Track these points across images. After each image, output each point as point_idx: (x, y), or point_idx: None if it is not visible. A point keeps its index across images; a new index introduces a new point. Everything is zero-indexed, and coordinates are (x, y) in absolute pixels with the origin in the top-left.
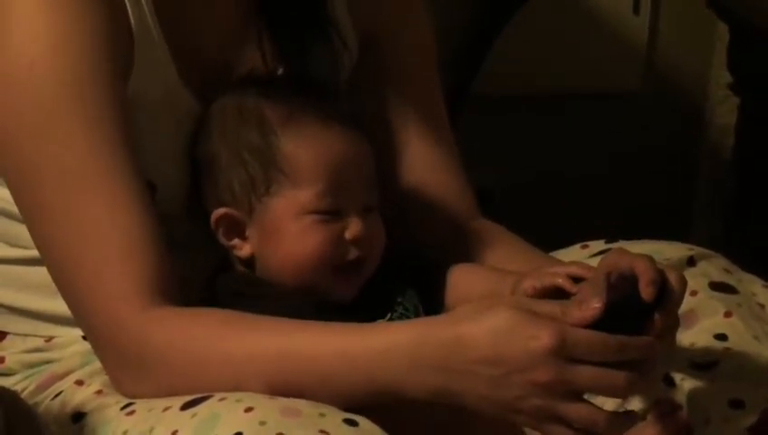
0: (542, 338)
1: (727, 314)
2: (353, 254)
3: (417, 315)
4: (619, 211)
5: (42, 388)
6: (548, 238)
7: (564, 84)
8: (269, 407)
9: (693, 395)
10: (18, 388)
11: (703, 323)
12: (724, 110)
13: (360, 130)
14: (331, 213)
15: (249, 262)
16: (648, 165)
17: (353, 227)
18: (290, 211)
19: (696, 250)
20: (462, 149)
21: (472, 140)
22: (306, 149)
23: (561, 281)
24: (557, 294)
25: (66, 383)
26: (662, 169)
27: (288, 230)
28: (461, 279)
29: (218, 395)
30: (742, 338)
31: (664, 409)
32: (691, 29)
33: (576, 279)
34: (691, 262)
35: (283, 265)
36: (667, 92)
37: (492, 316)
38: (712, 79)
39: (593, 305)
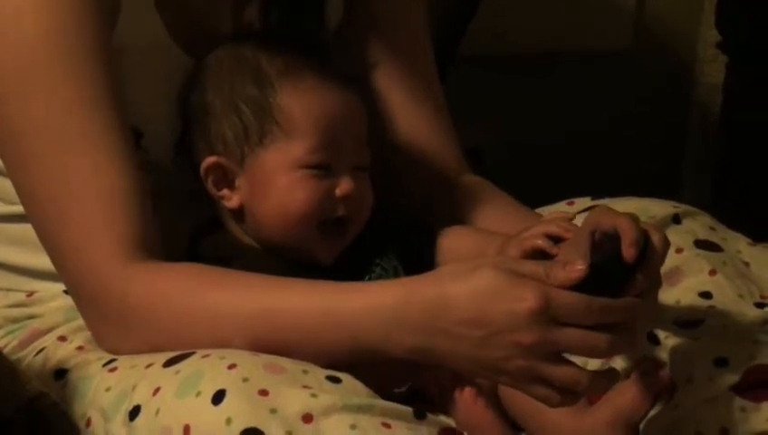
0: (527, 300)
1: (712, 272)
2: (341, 211)
3: (396, 277)
4: (609, 169)
5: (24, 344)
6: (536, 196)
7: (553, 43)
8: (252, 363)
9: (677, 353)
10: (1, 344)
11: (688, 281)
12: (713, 69)
13: (355, 89)
14: (323, 168)
15: (237, 213)
16: (637, 124)
17: (343, 185)
18: (282, 164)
19: (681, 208)
20: (451, 108)
21: (461, 99)
22: (301, 103)
23: (540, 243)
24: (540, 254)
25: (49, 339)
26: (651, 128)
27: (278, 182)
28: (449, 242)
29: (201, 352)
30: (726, 296)
31: (646, 367)
32: None
33: (555, 239)
34: (676, 219)
35: (270, 218)
36: (656, 51)
37: (476, 277)
38: (700, 38)
39: (577, 267)
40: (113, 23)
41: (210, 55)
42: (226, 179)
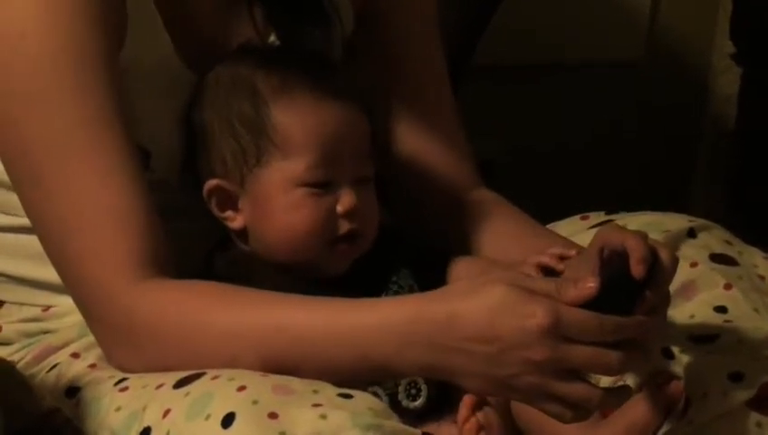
0: (538, 316)
1: (727, 287)
2: (345, 227)
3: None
4: (621, 181)
5: (38, 359)
6: (549, 208)
7: (566, 53)
8: (262, 385)
9: (692, 368)
10: (15, 358)
11: (703, 296)
12: (727, 79)
13: (355, 102)
14: (323, 185)
15: (242, 233)
16: (650, 134)
17: (345, 200)
18: (280, 183)
19: (696, 222)
20: (463, 119)
21: (473, 110)
22: (297, 121)
23: (547, 260)
24: (546, 271)
25: (62, 356)
26: (664, 139)
27: (279, 203)
28: (461, 269)
29: (211, 373)
30: (742, 310)
31: (658, 381)
32: None
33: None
34: (691, 233)
35: (274, 238)
36: (669, 62)
37: (486, 293)
38: (715, 48)
39: (589, 285)
40: (120, 42)
41: (210, 73)
42: (230, 201)
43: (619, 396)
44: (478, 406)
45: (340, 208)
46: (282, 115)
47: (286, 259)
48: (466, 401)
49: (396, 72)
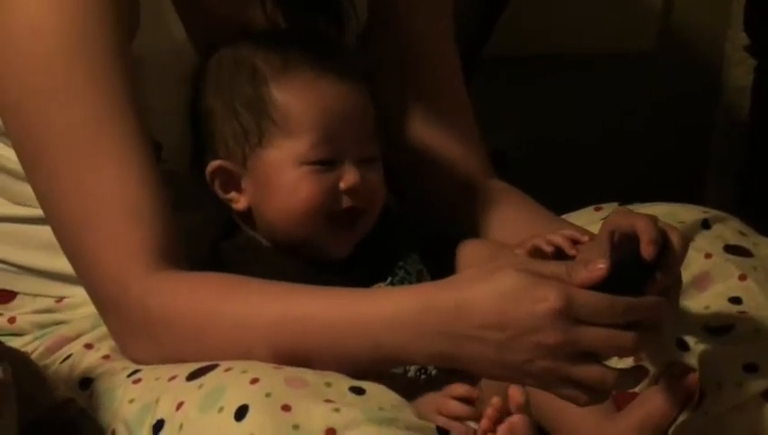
0: (549, 300)
1: (742, 278)
2: (346, 202)
3: (419, 281)
4: (633, 173)
5: (51, 350)
6: (562, 200)
7: (579, 45)
8: (274, 377)
9: (706, 359)
10: (28, 349)
11: (717, 287)
12: (741, 71)
13: (358, 81)
14: (325, 163)
15: (247, 214)
16: (663, 126)
17: (348, 177)
18: (283, 162)
19: (710, 213)
20: (476, 111)
21: (486, 101)
22: (298, 99)
23: (560, 240)
24: (557, 255)
25: (76, 346)
26: (677, 131)
27: (281, 181)
28: (469, 253)
29: (224, 365)
30: (756, 301)
31: (673, 373)
32: None
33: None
34: (706, 224)
35: (277, 216)
36: (682, 53)
37: (497, 279)
38: (728, 40)
39: (599, 266)
40: (132, 32)
41: (212, 57)
42: (232, 182)
43: (634, 376)
44: (500, 418)
45: (342, 185)
46: (282, 94)
47: (289, 238)
48: (489, 413)
49: (409, 63)
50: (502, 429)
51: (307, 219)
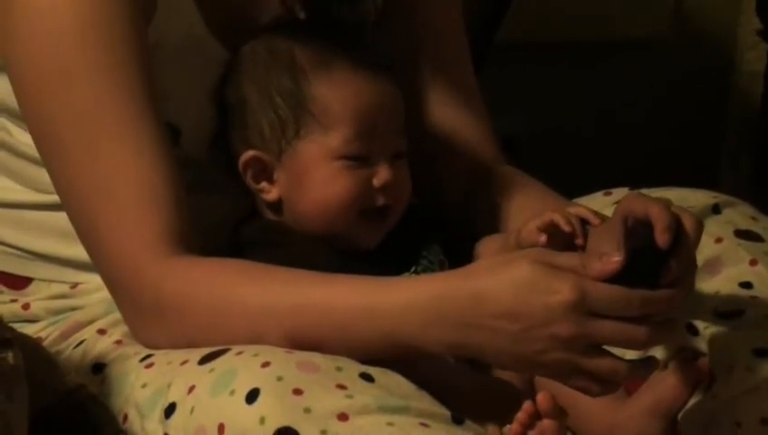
0: (563, 292)
1: (753, 262)
2: (380, 201)
3: (441, 270)
4: (646, 158)
5: (65, 336)
6: (572, 185)
7: (592, 31)
8: (286, 361)
9: (716, 343)
10: (42, 335)
11: (728, 271)
12: (754, 56)
13: (390, 76)
14: (360, 159)
15: (276, 206)
16: (676, 112)
17: (382, 174)
18: (319, 155)
19: (720, 197)
20: (488, 97)
21: (498, 87)
22: (337, 93)
23: (574, 218)
24: (566, 243)
25: (89, 332)
26: (690, 117)
27: (316, 174)
28: (488, 245)
29: (236, 349)
30: (767, 286)
31: (685, 357)
32: None
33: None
34: (716, 209)
35: (309, 210)
36: (695, 39)
37: (512, 270)
38: (741, 25)
39: (614, 259)
40: (149, 16)
41: (245, 47)
42: (265, 173)
43: (645, 368)
44: (531, 423)
45: (376, 182)
46: (321, 88)
47: (319, 231)
48: (520, 417)
49: (420, 51)
50: (533, 433)
51: (340, 214)
